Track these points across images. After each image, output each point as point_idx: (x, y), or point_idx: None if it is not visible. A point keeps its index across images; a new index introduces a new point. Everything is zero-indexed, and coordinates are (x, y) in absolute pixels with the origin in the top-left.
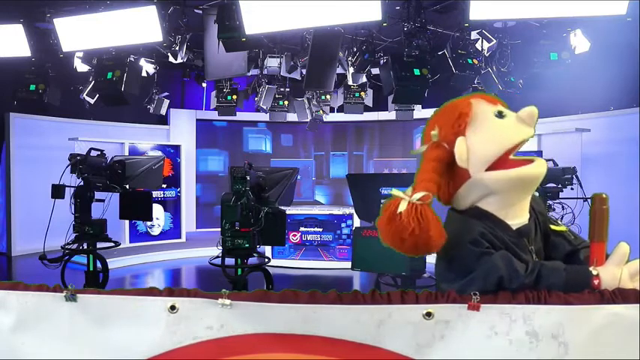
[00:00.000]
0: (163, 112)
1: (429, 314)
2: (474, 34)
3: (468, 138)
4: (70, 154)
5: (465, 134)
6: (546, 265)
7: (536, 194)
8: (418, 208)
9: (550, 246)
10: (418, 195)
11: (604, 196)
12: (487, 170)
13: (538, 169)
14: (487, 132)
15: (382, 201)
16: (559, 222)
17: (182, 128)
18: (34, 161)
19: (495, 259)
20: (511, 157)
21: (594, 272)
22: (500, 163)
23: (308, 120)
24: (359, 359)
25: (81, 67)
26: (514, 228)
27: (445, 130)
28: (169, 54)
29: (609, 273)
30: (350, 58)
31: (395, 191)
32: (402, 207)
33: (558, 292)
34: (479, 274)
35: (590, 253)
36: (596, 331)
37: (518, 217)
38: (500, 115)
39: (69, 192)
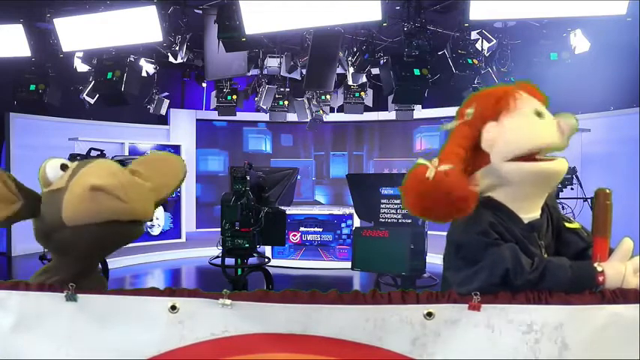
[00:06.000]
0: (163, 112)
1: (429, 314)
2: (474, 34)
3: (501, 125)
4: (70, 154)
5: (498, 120)
6: (552, 261)
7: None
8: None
9: (563, 242)
10: (444, 167)
11: (607, 191)
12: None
13: (556, 166)
14: (522, 126)
15: (382, 201)
16: (572, 219)
17: (182, 128)
18: (34, 161)
19: (503, 251)
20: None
21: (599, 269)
22: (524, 160)
23: (308, 120)
24: (359, 359)
25: (81, 67)
26: (526, 222)
27: (481, 111)
28: (169, 54)
29: (613, 269)
30: (350, 58)
31: (422, 160)
32: (430, 173)
33: (559, 292)
34: (485, 264)
35: (594, 249)
36: (596, 331)
37: (531, 211)
38: (539, 115)
39: None
